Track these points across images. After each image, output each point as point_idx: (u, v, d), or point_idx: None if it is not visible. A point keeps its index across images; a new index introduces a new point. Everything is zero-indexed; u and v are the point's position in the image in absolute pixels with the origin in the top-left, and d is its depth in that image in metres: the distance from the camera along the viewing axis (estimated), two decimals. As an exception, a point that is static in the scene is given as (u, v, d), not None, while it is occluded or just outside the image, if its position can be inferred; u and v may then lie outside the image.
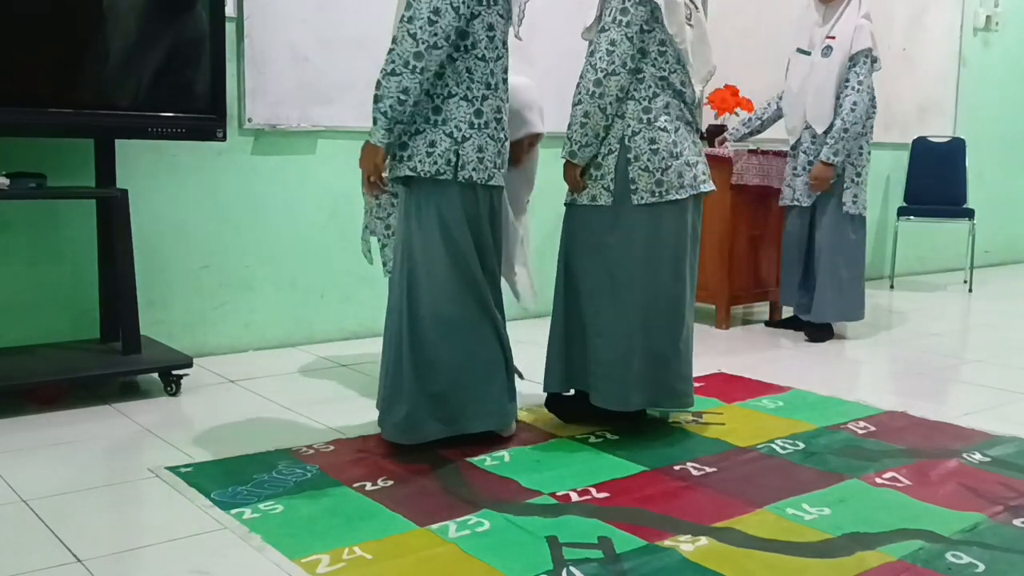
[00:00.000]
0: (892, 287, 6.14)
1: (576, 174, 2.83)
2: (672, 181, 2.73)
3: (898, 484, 2.51)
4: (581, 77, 2.73)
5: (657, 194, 2.72)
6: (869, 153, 4.28)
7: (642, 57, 2.71)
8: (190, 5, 3.32)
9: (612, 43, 2.66)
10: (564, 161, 2.83)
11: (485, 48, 2.55)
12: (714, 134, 4.97)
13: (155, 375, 3.30)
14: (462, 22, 2.48)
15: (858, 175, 4.23)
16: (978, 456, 2.74)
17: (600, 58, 2.67)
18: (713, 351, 4.17)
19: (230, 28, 3.66)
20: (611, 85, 2.67)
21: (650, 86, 2.72)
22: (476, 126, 2.55)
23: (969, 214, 6.00)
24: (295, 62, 3.92)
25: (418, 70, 2.42)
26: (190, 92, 3.34)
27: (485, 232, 2.64)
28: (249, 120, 3.84)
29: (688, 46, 2.73)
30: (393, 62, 2.43)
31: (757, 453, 2.76)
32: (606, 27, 2.68)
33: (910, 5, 6.41)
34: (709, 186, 2.85)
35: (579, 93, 2.72)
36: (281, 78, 3.89)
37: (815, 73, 4.17)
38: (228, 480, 2.45)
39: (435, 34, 2.41)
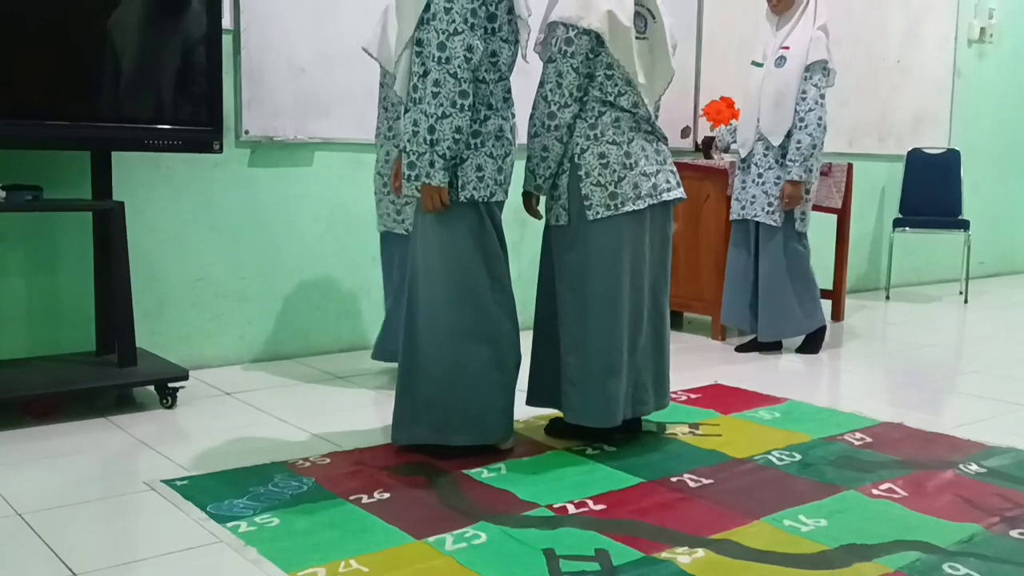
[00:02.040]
0: (888, 298, 6.15)
1: (533, 204, 2.89)
2: (627, 193, 2.72)
3: (895, 495, 2.51)
4: (534, 108, 2.75)
5: (612, 207, 2.71)
6: (818, 172, 4.18)
7: (589, 81, 2.72)
8: (187, 18, 3.33)
9: (560, 75, 2.68)
10: (523, 192, 2.86)
11: (486, 71, 2.58)
12: (709, 146, 4.99)
13: (151, 387, 3.30)
14: None
15: (807, 192, 4.13)
16: (974, 467, 2.75)
17: (551, 90, 2.69)
18: (709, 362, 4.17)
19: (227, 40, 3.66)
20: (565, 116, 2.70)
21: (594, 106, 2.73)
22: (472, 146, 2.58)
23: (964, 225, 6.02)
24: (292, 74, 3.93)
25: (465, 107, 2.50)
26: (187, 104, 3.35)
27: (491, 243, 2.66)
28: (246, 132, 3.85)
29: (638, 65, 2.72)
30: (442, 105, 2.48)
31: (754, 464, 2.76)
32: (553, 57, 2.69)
33: (904, 16, 6.44)
34: (674, 194, 2.83)
35: (534, 126, 2.74)
36: (278, 90, 3.90)
37: (769, 83, 4.07)
38: (224, 493, 2.45)
39: (470, 69, 2.48)
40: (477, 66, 2.53)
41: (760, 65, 4.15)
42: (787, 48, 4.05)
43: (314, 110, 4.00)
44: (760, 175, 4.14)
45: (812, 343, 4.34)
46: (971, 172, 6.52)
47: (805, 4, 4.08)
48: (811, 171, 4.07)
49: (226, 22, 3.61)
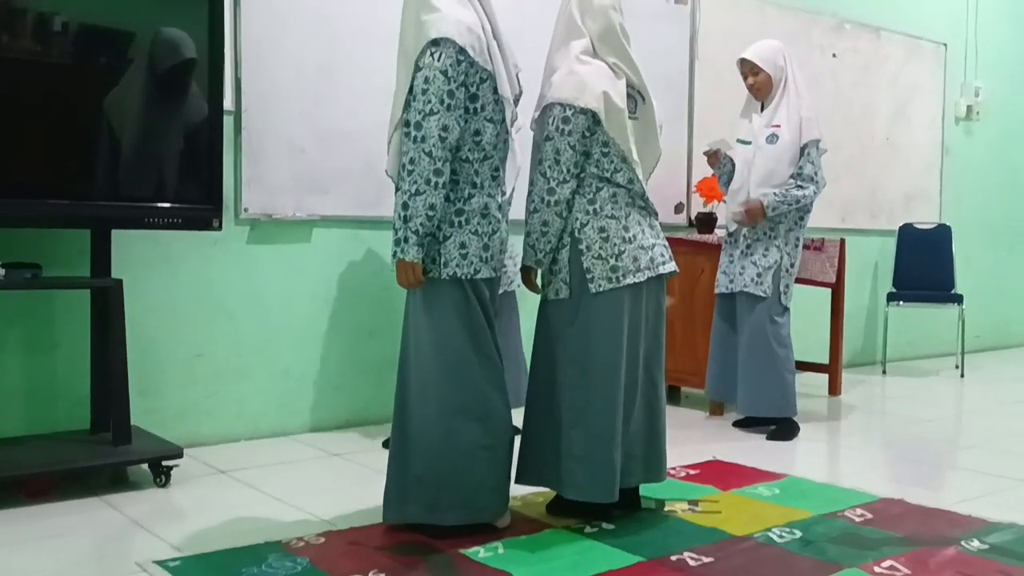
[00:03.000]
0: (884, 372, 6.15)
1: (532, 278, 2.91)
2: (627, 265, 2.76)
3: (897, 573, 2.47)
4: (532, 184, 2.80)
5: (614, 280, 2.75)
6: (798, 246, 4.21)
7: (586, 158, 2.78)
8: (188, 99, 3.40)
9: (558, 152, 2.73)
10: (521, 267, 2.90)
11: (469, 151, 2.62)
12: (703, 221, 5.06)
13: (145, 466, 3.27)
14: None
15: (792, 266, 4.18)
16: (976, 543, 2.72)
17: (549, 167, 2.75)
18: (707, 437, 4.14)
19: (228, 121, 3.73)
20: (564, 191, 2.75)
21: (592, 182, 2.79)
22: (456, 224, 2.61)
23: (958, 299, 6.05)
24: (292, 154, 3.99)
25: (440, 185, 2.53)
26: (187, 183, 3.40)
27: (477, 319, 2.66)
28: (245, 210, 3.89)
29: (632, 144, 2.78)
30: (416, 182, 2.51)
31: (754, 542, 2.73)
32: (550, 136, 2.75)
33: (892, 97, 6.58)
34: (669, 267, 2.88)
35: (533, 201, 2.79)
36: (278, 169, 3.96)
37: (760, 159, 4.14)
38: (216, 574, 2.41)
39: (445, 148, 2.52)
40: (456, 145, 2.57)
41: (747, 143, 4.23)
42: (778, 126, 4.15)
43: (313, 188, 4.06)
44: (748, 247, 4.20)
45: (785, 431, 4.18)
46: (962, 247, 6.58)
47: (783, 85, 4.18)
48: (777, 208, 4.06)
49: (228, 103, 3.68)
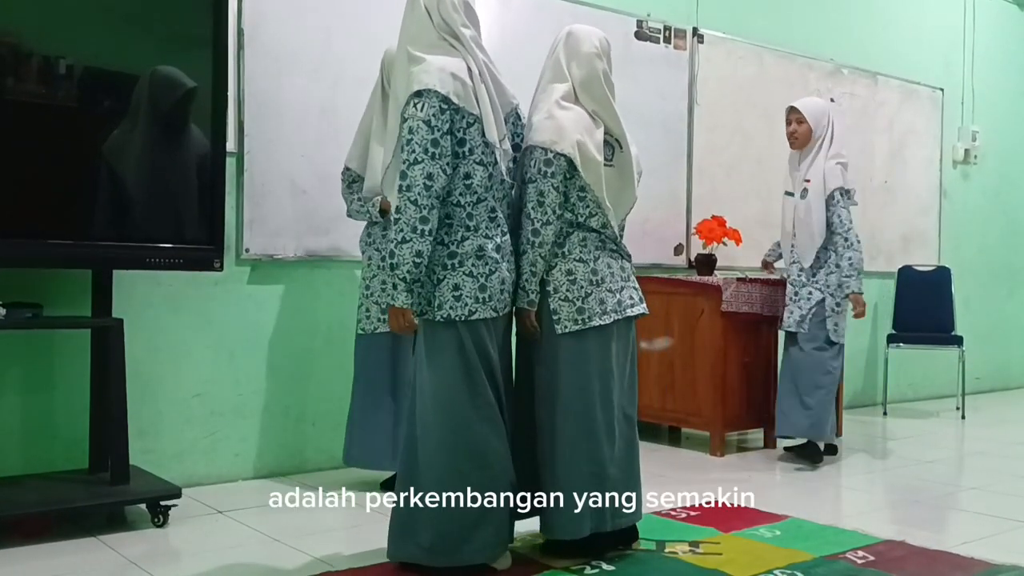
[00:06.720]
0: (885, 414, 6.13)
1: (532, 320, 2.89)
2: (594, 308, 2.81)
3: (900, 615, 2.45)
4: (520, 228, 2.83)
5: (580, 321, 2.80)
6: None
7: (564, 202, 2.82)
8: (191, 141, 3.43)
9: (541, 194, 2.77)
10: (515, 309, 2.89)
11: (460, 195, 2.65)
12: (703, 263, 5.08)
13: (143, 506, 3.25)
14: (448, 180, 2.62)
15: (838, 305, 4.38)
16: (980, 586, 2.70)
17: (533, 208, 2.78)
18: (708, 479, 4.12)
19: (231, 162, 3.76)
20: (548, 233, 2.79)
21: (562, 227, 2.83)
22: (449, 267, 2.64)
23: (958, 341, 6.05)
24: (293, 195, 4.02)
25: (426, 232, 2.56)
26: (189, 224, 3.42)
27: (471, 360, 2.66)
28: (247, 250, 3.91)
29: (605, 192, 2.83)
30: (402, 230, 2.55)
31: (755, 584, 2.71)
32: (533, 178, 2.79)
33: (889, 141, 6.63)
34: (638, 309, 2.93)
35: (521, 244, 2.82)
36: (279, 210, 3.99)
37: (797, 213, 4.44)
38: (214, 614, 2.39)
39: (431, 196, 2.56)
40: (443, 192, 2.59)
41: (792, 195, 4.50)
42: (808, 181, 4.40)
43: (314, 229, 4.08)
44: (796, 292, 4.46)
45: (810, 452, 4.41)
46: (962, 289, 6.60)
47: (821, 140, 4.42)
48: (861, 283, 4.38)
49: (230, 144, 3.72)
